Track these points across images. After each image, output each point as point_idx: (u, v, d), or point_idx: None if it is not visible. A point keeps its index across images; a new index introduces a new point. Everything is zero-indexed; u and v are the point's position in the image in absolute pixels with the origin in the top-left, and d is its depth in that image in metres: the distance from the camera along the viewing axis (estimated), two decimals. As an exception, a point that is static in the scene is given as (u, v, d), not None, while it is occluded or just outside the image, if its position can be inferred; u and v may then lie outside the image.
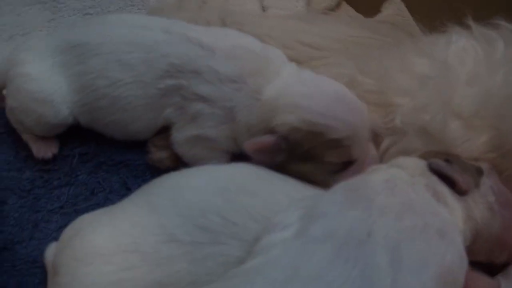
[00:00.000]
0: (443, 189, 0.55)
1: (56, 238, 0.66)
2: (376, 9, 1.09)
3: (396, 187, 0.53)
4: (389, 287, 0.43)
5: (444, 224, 0.51)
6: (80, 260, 0.57)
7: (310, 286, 0.43)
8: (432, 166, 0.57)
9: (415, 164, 0.58)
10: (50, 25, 0.99)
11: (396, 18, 1.02)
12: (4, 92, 0.81)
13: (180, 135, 0.75)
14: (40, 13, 1.01)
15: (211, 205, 0.58)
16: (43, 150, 0.81)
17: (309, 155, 0.65)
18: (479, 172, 0.59)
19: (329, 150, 0.64)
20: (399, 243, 0.46)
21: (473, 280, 0.52)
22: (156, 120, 0.76)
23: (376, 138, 0.71)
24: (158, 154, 0.80)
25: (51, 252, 0.67)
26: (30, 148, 0.82)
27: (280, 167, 0.66)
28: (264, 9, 1.05)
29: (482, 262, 0.58)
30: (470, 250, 0.53)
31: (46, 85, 0.76)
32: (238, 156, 0.74)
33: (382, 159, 0.70)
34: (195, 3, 0.99)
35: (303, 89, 0.67)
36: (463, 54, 0.68)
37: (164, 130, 0.78)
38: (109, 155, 0.83)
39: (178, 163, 0.78)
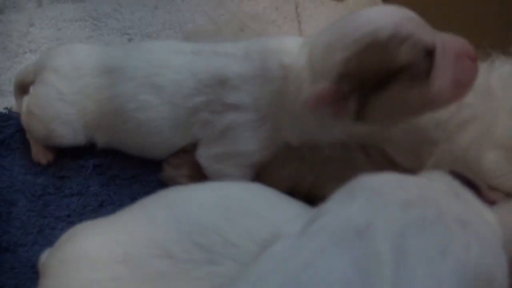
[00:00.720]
0: (467, 194, 0.48)
1: (58, 246, 0.64)
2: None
3: (408, 183, 0.46)
4: (391, 278, 0.36)
5: (466, 214, 0.43)
6: (68, 264, 0.55)
7: (297, 277, 0.37)
8: (456, 171, 0.50)
9: (437, 173, 0.51)
10: (88, 42, 1.00)
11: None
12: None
13: (207, 151, 0.73)
14: (80, 29, 1.03)
15: (212, 223, 0.54)
16: (41, 156, 0.81)
17: (385, 74, 0.56)
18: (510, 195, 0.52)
19: (398, 51, 0.55)
20: (404, 231, 0.39)
21: None
22: (180, 141, 0.75)
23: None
24: (171, 172, 0.78)
25: (45, 256, 0.64)
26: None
27: (364, 117, 0.59)
28: (301, 39, 1.03)
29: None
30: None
31: (74, 109, 0.76)
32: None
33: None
34: (231, 29, 0.99)
35: (326, 32, 0.62)
36: (508, 81, 0.62)
37: (180, 149, 0.77)
38: (123, 168, 0.82)
39: (191, 182, 0.75)
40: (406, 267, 0.37)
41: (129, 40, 1.01)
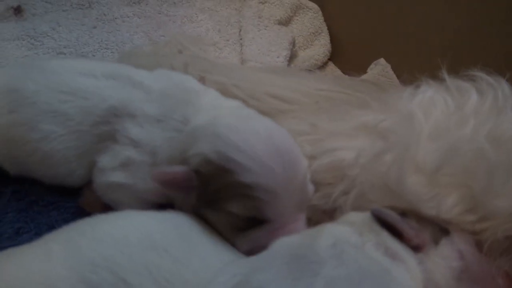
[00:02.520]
0: (395, 245, 0.47)
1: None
2: (362, 70, 1.05)
3: (344, 253, 0.45)
4: None
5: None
6: None
7: None
8: (375, 213, 0.49)
9: (364, 219, 0.50)
10: (23, 61, 0.97)
11: (379, 78, 0.98)
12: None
13: (103, 178, 0.67)
14: (17, 48, 1.00)
15: (106, 259, 0.49)
16: None
17: (214, 200, 0.55)
18: (444, 231, 0.50)
19: (234, 197, 0.53)
20: None
21: None
22: (89, 170, 0.69)
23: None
24: (91, 198, 0.72)
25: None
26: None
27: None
28: (243, 62, 1.01)
29: None
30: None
31: None
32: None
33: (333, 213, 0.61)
34: (169, 50, 0.96)
35: (231, 121, 0.58)
36: (429, 106, 0.61)
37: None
38: (42, 194, 0.76)
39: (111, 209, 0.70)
40: None
41: (64, 59, 0.98)
